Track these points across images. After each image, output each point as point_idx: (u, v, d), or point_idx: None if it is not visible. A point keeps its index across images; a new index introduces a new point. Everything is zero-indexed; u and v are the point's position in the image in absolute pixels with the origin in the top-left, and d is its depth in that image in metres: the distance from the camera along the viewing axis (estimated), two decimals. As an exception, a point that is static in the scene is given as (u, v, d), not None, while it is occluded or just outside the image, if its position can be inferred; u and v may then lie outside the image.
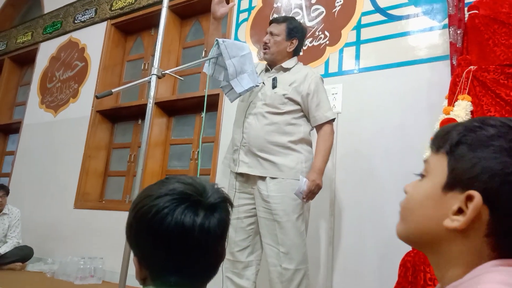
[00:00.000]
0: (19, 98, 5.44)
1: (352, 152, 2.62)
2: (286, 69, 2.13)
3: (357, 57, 2.76)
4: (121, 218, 3.59)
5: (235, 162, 2.08)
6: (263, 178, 1.99)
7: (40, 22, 5.10)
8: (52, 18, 4.96)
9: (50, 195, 4.18)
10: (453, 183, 0.56)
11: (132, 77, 4.40)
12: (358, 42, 2.78)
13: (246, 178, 2.06)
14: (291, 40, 2.14)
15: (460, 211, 0.54)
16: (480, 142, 0.55)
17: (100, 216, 3.74)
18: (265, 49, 2.15)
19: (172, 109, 3.88)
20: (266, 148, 1.99)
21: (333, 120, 2.08)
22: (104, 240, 3.56)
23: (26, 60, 5.37)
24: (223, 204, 0.71)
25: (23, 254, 3.75)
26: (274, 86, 2.07)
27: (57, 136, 4.40)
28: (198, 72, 3.81)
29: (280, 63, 2.14)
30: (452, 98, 1.69)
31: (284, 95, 2.03)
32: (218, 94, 3.31)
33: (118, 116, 4.28)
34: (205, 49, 3.88)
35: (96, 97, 1.54)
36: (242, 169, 2.03)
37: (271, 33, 2.14)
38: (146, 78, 1.70)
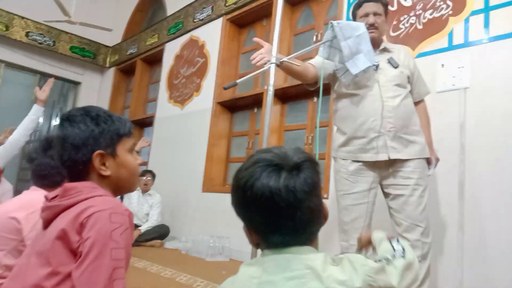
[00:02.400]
0: (151, 94, 6.10)
1: (483, 130, 2.40)
2: (387, 50, 2.13)
3: (486, 25, 2.50)
4: (243, 201, 3.83)
5: (375, 150, 1.98)
6: (399, 159, 1.99)
7: (164, 24, 5.62)
8: (175, 19, 5.42)
9: (182, 180, 4.65)
10: None
11: (247, 68, 4.60)
12: (486, 9, 2.51)
13: (373, 163, 2.00)
14: (387, 20, 2.21)
15: None
16: None
17: (225, 199, 4.04)
18: (373, 29, 2.09)
19: (285, 96, 3.98)
20: (409, 129, 2.02)
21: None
22: (229, 221, 3.84)
23: (154, 60, 5.98)
24: (306, 163, 0.74)
25: (162, 232, 4.26)
26: (396, 66, 2.06)
27: (185, 127, 4.85)
28: (310, 57, 3.83)
29: (380, 44, 2.13)
30: None
31: (407, 73, 2.08)
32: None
33: (236, 106, 4.54)
34: (316, 33, 3.88)
35: (224, 88, 1.68)
36: (394, 155, 1.97)
37: (375, 13, 2.10)
38: (266, 67, 1.79)
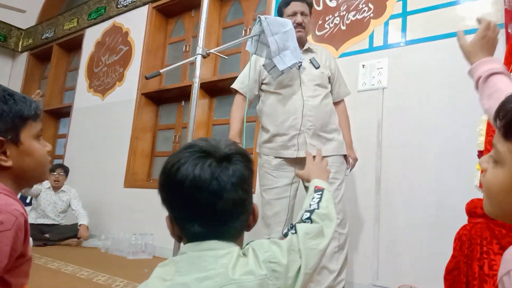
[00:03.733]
0: (68, 83, 5.69)
1: (398, 128, 2.56)
2: (310, 50, 2.20)
3: (404, 29, 2.66)
4: (168, 196, 3.72)
5: (295, 147, 2.03)
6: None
7: (85, 8, 5.26)
8: (96, 4, 5.10)
9: (102, 175, 4.39)
10: None
11: (174, 59, 4.47)
12: (404, 14, 2.68)
13: (294, 160, 2.05)
14: (311, 19, 2.29)
15: None
16: None
17: (148, 195, 3.89)
18: (301, 29, 2.14)
19: (214, 89, 3.93)
20: (328, 128, 2.09)
21: None
22: (153, 217, 3.71)
23: (73, 46, 5.58)
24: (237, 156, 0.73)
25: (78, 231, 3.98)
26: (317, 66, 2.13)
27: (106, 118, 4.59)
28: (238, 51, 3.81)
29: (304, 44, 2.19)
30: (508, 69, 1.60)
31: (327, 74, 2.15)
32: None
33: (162, 98, 4.38)
34: (244, 28, 3.87)
35: (146, 77, 1.59)
36: (312, 152, 2.02)
37: (303, 13, 2.15)
38: (192, 58, 1.73)
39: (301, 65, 2.08)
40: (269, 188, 2.09)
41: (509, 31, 1.88)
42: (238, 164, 0.72)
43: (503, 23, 2.16)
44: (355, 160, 2.23)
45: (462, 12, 2.46)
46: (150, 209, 3.78)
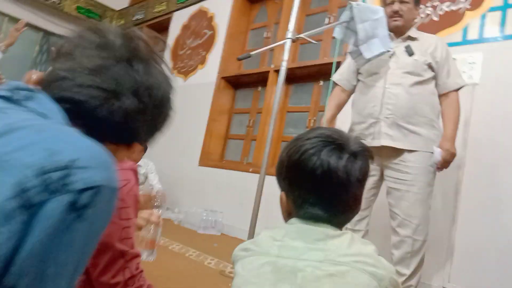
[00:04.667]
0: (154, 63, 6.00)
1: (489, 128, 2.40)
2: (413, 38, 2.06)
3: (503, 23, 2.47)
4: (239, 177, 3.85)
5: (372, 136, 2.00)
6: (398, 151, 1.95)
7: (174, -8, 5.51)
8: (185, -12, 5.32)
9: (179, 153, 4.63)
10: None
11: (255, 45, 4.54)
12: (505, 6, 2.48)
13: (376, 151, 1.99)
14: (417, 7, 2.11)
15: None
16: None
17: (220, 174, 4.05)
18: (397, 17, 2.05)
19: (291, 77, 3.94)
20: (413, 119, 1.94)
21: (459, 89, 2.03)
22: (223, 196, 3.86)
23: (161, 28, 5.86)
24: (364, 152, 0.77)
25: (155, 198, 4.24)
26: (411, 53, 2.00)
27: (187, 99, 4.80)
28: (319, 39, 3.79)
29: (406, 32, 2.07)
30: None
31: (424, 61, 1.98)
32: (337, 63, 3.27)
33: (240, 82, 4.50)
34: (328, 16, 3.83)
35: (238, 59, 1.65)
36: (386, 142, 1.95)
37: (402, 1, 2.05)
38: (281, 42, 1.77)
39: (393, 53, 2.02)
40: None
41: None
42: (364, 161, 0.77)
43: None
44: (449, 153, 1.90)
45: None
46: (221, 188, 3.94)
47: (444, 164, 1.92)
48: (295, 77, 3.93)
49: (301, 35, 1.75)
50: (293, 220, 0.77)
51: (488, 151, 2.37)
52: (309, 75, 3.81)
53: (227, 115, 4.55)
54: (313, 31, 1.85)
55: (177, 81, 5.05)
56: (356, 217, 2.04)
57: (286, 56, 1.74)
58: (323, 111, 3.54)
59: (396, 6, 2.04)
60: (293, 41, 1.73)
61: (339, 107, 2.22)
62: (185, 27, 5.20)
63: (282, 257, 0.70)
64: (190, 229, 3.66)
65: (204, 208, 3.81)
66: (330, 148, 0.74)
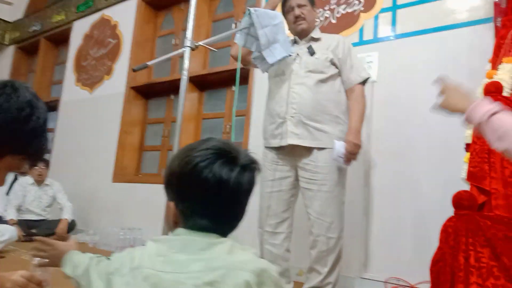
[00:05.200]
0: (56, 76, 5.60)
1: (388, 122, 2.56)
2: (316, 39, 2.13)
3: (394, 23, 2.66)
4: (157, 190, 3.69)
5: (280, 136, 2.02)
6: (309, 150, 1.97)
7: (73, 1, 5.17)
8: (84, -4, 5.03)
9: (90, 170, 4.35)
10: None
11: (164, 52, 4.42)
12: (394, 7, 2.67)
13: (289, 151, 2.02)
14: (314, 8, 2.20)
15: None
16: None
17: (137, 189, 3.87)
18: (301, 21, 2.11)
19: (204, 83, 3.90)
20: (318, 116, 1.97)
21: (365, 82, 2.08)
22: (142, 212, 3.69)
23: (61, 39, 5.48)
24: (252, 165, 0.80)
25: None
26: (312, 53, 2.06)
27: (94, 112, 4.53)
28: (228, 45, 3.78)
29: (309, 34, 2.14)
30: (495, 61, 1.61)
31: (326, 58, 2.03)
32: (242, 69, 3.28)
33: (151, 91, 4.34)
34: (235, 21, 3.84)
35: (133, 70, 1.56)
36: (293, 141, 1.97)
37: (299, 5, 2.12)
38: (180, 50, 1.71)
39: (297, 54, 2.07)
40: (264, 181, 2.08)
41: (498, 24, 1.89)
42: (253, 173, 0.80)
43: (492, 17, 2.17)
44: (352, 144, 1.92)
45: (451, 5, 2.47)
46: (139, 204, 3.76)
47: (350, 156, 1.94)
48: (208, 83, 3.89)
49: (200, 43, 1.70)
50: (179, 231, 0.77)
51: (389, 142, 2.53)
52: (222, 81, 3.79)
53: (140, 126, 4.36)
54: (212, 38, 1.83)
55: (83, 94, 4.75)
56: (277, 219, 2.04)
57: (186, 64, 1.69)
58: (238, 116, 3.55)
59: (297, 11, 2.10)
60: (192, 49, 1.68)
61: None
62: (87, 37, 4.91)
63: (165, 272, 0.71)
64: (107, 250, 3.44)
65: (122, 226, 3.60)
66: (222, 161, 0.75)
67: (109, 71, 4.52)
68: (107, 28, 4.68)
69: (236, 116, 3.62)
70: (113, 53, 4.53)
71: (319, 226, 1.94)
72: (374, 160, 2.57)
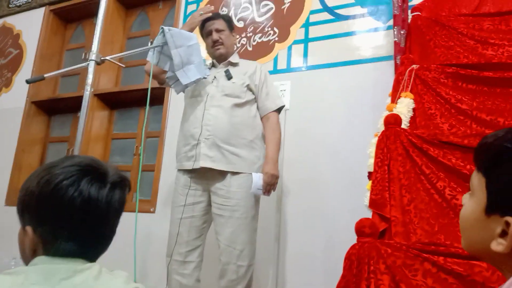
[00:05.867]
0: None
1: (299, 148, 2.63)
2: (234, 64, 2.15)
3: (305, 54, 2.78)
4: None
5: (194, 158, 1.95)
6: (223, 174, 1.93)
7: (-32, 3, 4.67)
8: (-17, 1, 4.56)
9: (-23, 192, 3.84)
10: (492, 207, 0.57)
11: (72, 66, 4.15)
12: (306, 40, 2.80)
13: (202, 175, 1.97)
14: (233, 33, 2.23)
15: (504, 233, 0.55)
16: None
17: (33, 214, 3.49)
18: (219, 45, 2.12)
19: (115, 101, 3.70)
20: (232, 140, 1.95)
21: (280, 110, 2.13)
22: (37, 240, 3.33)
23: (-49, 44, 4.90)
24: (123, 182, 0.76)
25: None
26: (230, 77, 2.06)
27: (-14, 127, 4.05)
28: (143, 63, 3.65)
29: (228, 58, 2.15)
30: (395, 96, 1.74)
31: (243, 84, 2.04)
32: (164, 87, 3.19)
33: (56, 108, 4.00)
34: (150, 40, 3.74)
35: (27, 81, 1.42)
36: (205, 164, 1.91)
37: (217, 30, 2.13)
38: (83, 64, 1.59)
39: (215, 77, 2.07)
40: (175, 206, 2.00)
41: (397, 62, 2.05)
42: (123, 192, 0.76)
43: (392, 55, 2.36)
44: (270, 175, 1.93)
45: (358, 42, 2.64)
46: (34, 230, 3.39)
47: (268, 187, 1.95)
48: (120, 102, 3.70)
49: (107, 58, 1.60)
50: (38, 260, 0.69)
51: (300, 170, 2.59)
52: (135, 100, 3.63)
53: (41, 144, 3.98)
54: (121, 54, 1.74)
55: (-26, 107, 4.24)
56: (187, 247, 1.95)
57: (90, 79, 1.58)
58: (151, 137, 3.41)
59: (215, 36, 2.12)
60: (98, 63, 1.57)
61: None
62: (-16, 45, 4.44)
63: None
64: (-8, 285, 3.02)
65: (13, 255, 3.20)
66: (89, 178, 0.70)
67: (8, 83, 4.10)
68: (9, 37, 4.27)
69: (149, 137, 3.51)
70: (14, 64, 4.13)
71: (229, 254, 1.88)
72: (287, 187, 2.60)
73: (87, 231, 0.71)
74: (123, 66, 1.76)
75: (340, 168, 2.47)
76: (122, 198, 0.75)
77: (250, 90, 2.07)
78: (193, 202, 1.98)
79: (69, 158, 0.74)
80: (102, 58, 1.57)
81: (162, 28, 1.88)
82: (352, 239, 1.66)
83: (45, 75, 1.42)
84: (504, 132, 0.59)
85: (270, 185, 1.95)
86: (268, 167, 1.95)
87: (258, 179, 1.92)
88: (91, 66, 1.56)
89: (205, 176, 1.98)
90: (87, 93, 1.56)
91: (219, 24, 2.15)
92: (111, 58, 1.61)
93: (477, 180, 0.61)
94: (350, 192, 2.39)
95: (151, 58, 1.93)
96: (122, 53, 1.72)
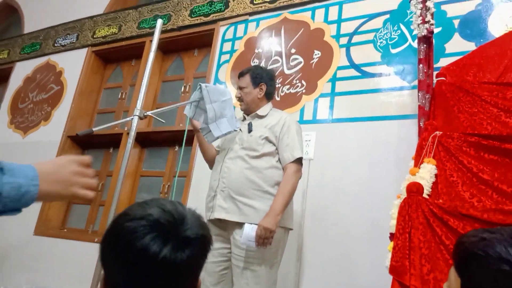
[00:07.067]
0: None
1: (321, 198, 2.69)
2: (261, 116, 2.20)
3: (331, 107, 2.88)
4: (82, 248, 3.49)
5: (212, 209, 2.04)
6: (239, 225, 1.96)
7: (18, 41, 5.04)
8: (32, 39, 4.92)
9: (10, 219, 4.00)
10: None
11: (108, 104, 4.38)
12: (332, 94, 2.91)
13: (224, 225, 2.04)
14: (259, 87, 2.21)
15: None
16: (488, 273, 0.62)
17: (60, 245, 3.62)
18: (241, 102, 2.24)
19: (146, 140, 3.87)
20: (246, 192, 1.97)
21: (299, 159, 2.07)
22: (61, 271, 3.43)
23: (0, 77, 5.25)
24: (199, 240, 0.70)
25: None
26: (250, 130, 2.13)
27: (24, 158, 4.27)
28: (178, 112, 3.84)
29: (255, 111, 2.21)
30: (418, 160, 1.80)
31: (260, 136, 2.08)
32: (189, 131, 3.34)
33: (90, 142, 4.22)
34: (184, 84, 3.94)
35: (77, 135, 1.55)
36: (220, 215, 1.99)
37: (240, 88, 2.24)
38: (128, 118, 1.73)
39: (240, 130, 2.17)
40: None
41: (421, 125, 2.12)
42: (196, 249, 0.70)
43: (416, 114, 2.43)
44: (262, 228, 1.85)
45: (383, 99, 2.73)
46: (60, 261, 3.51)
47: (261, 240, 1.85)
48: (150, 140, 3.87)
49: (149, 113, 1.74)
50: None
51: (321, 219, 2.64)
52: (165, 140, 3.80)
53: (73, 177, 4.16)
54: (161, 109, 1.88)
55: (14, 138, 4.49)
56: None
57: (133, 133, 1.70)
58: (179, 176, 3.53)
59: (237, 93, 2.24)
60: (141, 118, 1.71)
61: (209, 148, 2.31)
62: (29, 79, 4.76)
63: None
64: (17, 313, 3.12)
65: (38, 285, 3.31)
66: (154, 234, 0.65)
67: (47, 117, 4.36)
68: (51, 74, 4.58)
69: (179, 177, 3.63)
70: (54, 99, 4.40)
71: None
72: (308, 236, 2.65)
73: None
74: (163, 121, 1.90)
75: (361, 221, 2.51)
76: (193, 257, 0.69)
77: (270, 142, 2.08)
78: (213, 248, 2.04)
79: (144, 207, 0.70)
80: (145, 114, 1.70)
81: (200, 84, 2.03)
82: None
83: (94, 129, 1.56)
84: (478, 237, 0.65)
85: (263, 238, 1.86)
86: (264, 220, 1.88)
87: (250, 230, 1.87)
88: (135, 122, 1.69)
89: (225, 227, 2.05)
90: (129, 146, 1.68)
91: (242, 81, 2.23)
92: (152, 113, 1.74)
93: (454, 278, 0.67)
94: (371, 245, 2.41)
95: (188, 111, 2.07)
96: (163, 109, 1.86)
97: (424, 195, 1.55)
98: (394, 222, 1.68)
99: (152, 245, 0.65)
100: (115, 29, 4.27)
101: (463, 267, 0.66)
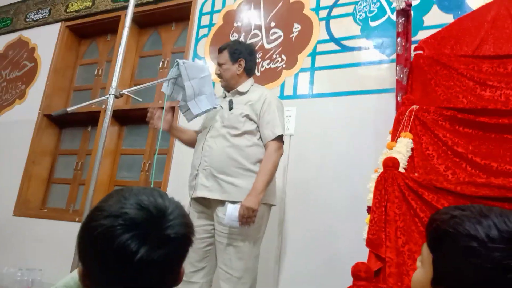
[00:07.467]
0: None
1: (302, 173, 2.72)
2: (241, 93, 2.16)
3: (311, 82, 2.88)
4: (63, 227, 3.47)
5: (194, 188, 2.05)
6: (222, 203, 1.97)
7: (-14, 16, 4.83)
8: (1, 14, 4.71)
9: (-13, 201, 3.95)
10: (438, 282, 0.66)
11: (84, 81, 4.28)
12: (312, 68, 2.90)
13: (207, 202, 2.05)
14: (238, 62, 2.16)
15: None
16: (458, 250, 0.64)
17: (41, 225, 3.59)
18: (220, 78, 2.20)
19: (125, 118, 3.81)
20: (228, 170, 1.97)
21: (281, 137, 2.05)
22: (44, 250, 3.42)
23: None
24: (179, 239, 0.69)
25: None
26: (230, 108, 2.10)
27: (0, 138, 4.17)
28: (153, 89, 3.77)
29: (236, 87, 2.17)
30: (395, 134, 1.83)
31: (241, 114, 2.05)
32: (174, 107, 3.30)
33: (67, 121, 4.12)
34: (162, 60, 3.86)
35: (51, 115, 1.51)
36: (202, 193, 1.99)
37: (219, 64, 2.19)
38: (104, 97, 1.69)
39: (221, 107, 2.14)
40: None
41: (398, 99, 2.14)
42: (176, 247, 0.69)
43: (394, 88, 2.45)
44: (245, 208, 1.86)
45: (362, 72, 2.73)
46: (42, 241, 3.48)
47: (244, 219, 1.86)
48: (130, 118, 3.81)
49: (125, 91, 1.71)
50: None
51: (302, 194, 2.68)
52: (144, 118, 3.71)
53: (51, 156, 4.10)
54: (137, 87, 1.84)
55: (-12, 117, 4.36)
56: (191, 268, 2.02)
57: (109, 113, 1.67)
58: (159, 154, 3.51)
59: (216, 70, 2.20)
60: (117, 97, 1.68)
61: (190, 138, 2.30)
62: (1, 56, 4.58)
63: None
64: (0, 294, 3.12)
65: (19, 266, 3.30)
66: (131, 234, 0.64)
67: (22, 95, 4.23)
68: (25, 50, 4.41)
69: (159, 154, 3.60)
70: (29, 77, 4.26)
71: (228, 281, 1.92)
72: (289, 210, 2.69)
73: (130, 285, 0.65)
74: (140, 100, 1.86)
75: (342, 194, 2.55)
76: (172, 255, 0.68)
77: (251, 119, 2.06)
78: (197, 225, 2.06)
79: (121, 202, 0.68)
80: (121, 92, 1.67)
81: (177, 61, 1.99)
82: (352, 262, 1.73)
83: (69, 109, 1.52)
84: (449, 215, 0.67)
85: (246, 218, 1.87)
86: (246, 199, 1.88)
87: (233, 210, 1.87)
88: (111, 101, 1.66)
89: (208, 205, 2.06)
90: (106, 125, 1.65)
91: (221, 57, 2.18)
92: (128, 92, 1.71)
93: (426, 253, 0.70)
94: (351, 218, 2.46)
95: (165, 89, 2.04)
96: (139, 86, 1.82)
97: (401, 169, 1.58)
98: (371, 195, 1.71)
99: (129, 244, 0.63)
100: (88, 3, 4.12)
101: (435, 244, 0.68)
